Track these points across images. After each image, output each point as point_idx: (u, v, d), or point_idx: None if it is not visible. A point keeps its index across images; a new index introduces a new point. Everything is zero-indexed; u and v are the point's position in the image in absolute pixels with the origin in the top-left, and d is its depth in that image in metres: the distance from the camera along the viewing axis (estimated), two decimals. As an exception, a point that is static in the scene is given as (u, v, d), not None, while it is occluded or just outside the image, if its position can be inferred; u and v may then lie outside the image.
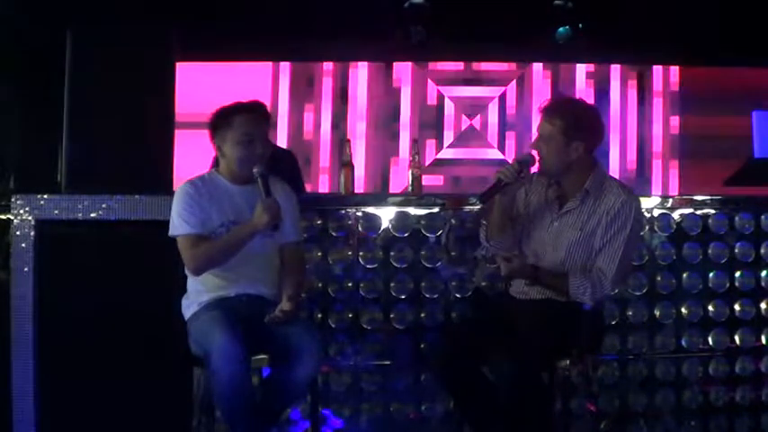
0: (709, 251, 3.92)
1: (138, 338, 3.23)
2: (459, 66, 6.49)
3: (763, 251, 3.95)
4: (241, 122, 3.08)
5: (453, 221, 3.76)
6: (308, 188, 5.23)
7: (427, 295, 3.73)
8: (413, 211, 3.76)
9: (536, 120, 3.14)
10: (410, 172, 4.21)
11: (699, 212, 3.93)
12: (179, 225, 3.03)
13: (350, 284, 3.70)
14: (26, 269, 3.26)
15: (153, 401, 3.22)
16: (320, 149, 6.16)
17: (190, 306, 3.07)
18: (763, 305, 3.95)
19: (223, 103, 3.13)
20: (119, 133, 3.39)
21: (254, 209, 3.00)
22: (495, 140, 6.46)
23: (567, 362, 3.01)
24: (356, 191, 4.22)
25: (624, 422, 3.82)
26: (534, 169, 3.12)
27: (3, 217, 3.36)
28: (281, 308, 2.95)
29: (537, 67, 6.53)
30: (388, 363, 3.72)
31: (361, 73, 6.35)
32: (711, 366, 3.91)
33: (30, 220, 3.27)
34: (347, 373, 3.69)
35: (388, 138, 6.26)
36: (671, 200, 3.91)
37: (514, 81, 6.48)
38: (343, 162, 4.23)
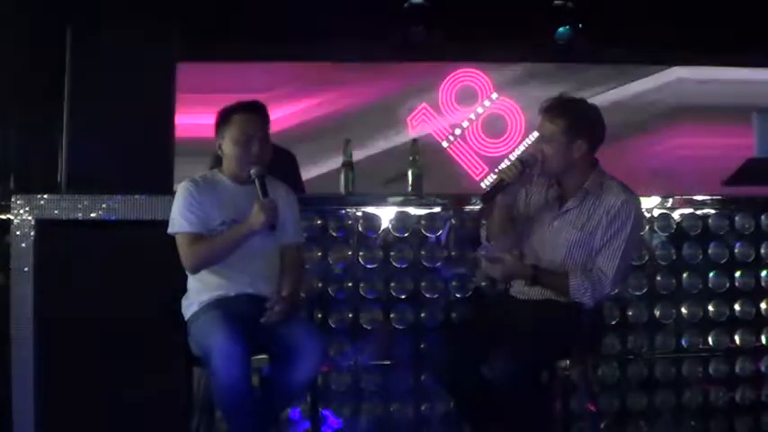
0: (709, 251, 3.93)
1: (138, 338, 3.23)
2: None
3: (763, 251, 3.96)
4: (239, 121, 3.09)
5: (454, 221, 3.76)
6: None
7: (427, 295, 3.73)
8: (413, 211, 3.76)
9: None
10: (410, 171, 4.21)
11: (699, 212, 3.93)
12: (179, 223, 3.04)
13: (350, 284, 3.70)
14: (26, 269, 3.25)
15: (153, 401, 3.22)
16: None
17: (190, 306, 3.07)
18: (763, 305, 3.96)
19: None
20: (119, 133, 3.38)
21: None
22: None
23: (567, 362, 3.01)
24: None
25: (624, 422, 3.83)
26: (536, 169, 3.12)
27: (3, 217, 3.36)
28: (275, 307, 2.95)
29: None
30: (388, 363, 3.72)
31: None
32: (711, 366, 3.91)
33: (30, 220, 3.27)
34: (347, 373, 3.69)
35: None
36: (671, 200, 3.91)
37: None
38: (343, 162, 4.24)
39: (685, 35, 5.97)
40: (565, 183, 3.13)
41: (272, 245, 3.11)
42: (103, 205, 3.31)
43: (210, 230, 3.05)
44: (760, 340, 3.95)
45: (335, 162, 4.48)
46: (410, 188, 4.18)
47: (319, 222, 3.70)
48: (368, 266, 3.72)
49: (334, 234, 3.71)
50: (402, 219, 3.74)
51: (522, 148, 6.64)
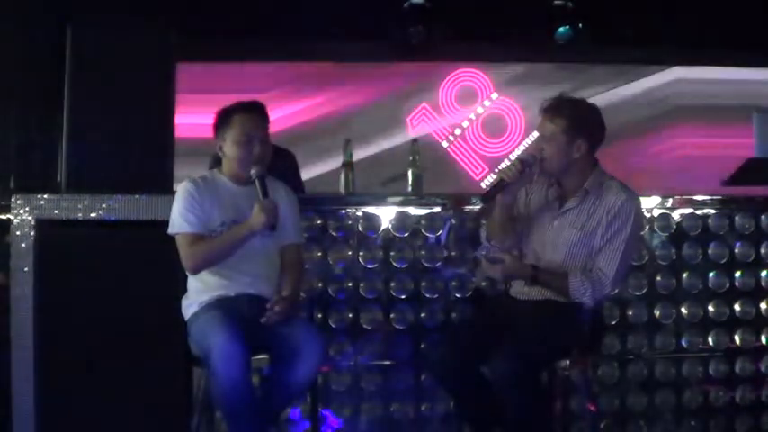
0: (709, 251, 3.93)
1: (138, 338, 3.22)
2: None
3: (763, 251, 3.96)
4: (240, 122, 3.09)
5: (454, 221, 3.76)
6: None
7: (427, 295, 3.73)
8: (413, 211, 3.76)
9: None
10: (410, 171, 4.21)
11: (699, 212, 3.93)
12: (179, 224, 3.04)
13: (350, 284, 3.70)
14: (26, 269, 3.25)
15: (153, 401, 3.22)
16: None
17: (190, 306, 3.07)
18: (763, 305, 3.96)
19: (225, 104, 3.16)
20: (119, 133, 3.38)
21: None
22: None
23: (567, 362, 3.01)
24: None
25: (624, 422, 3.83)
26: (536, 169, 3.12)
27: (3, 217, 3.36)
28: (275, 308, 2.95)
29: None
30: (388, 363, 3.72)
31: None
32: (711, 366, 3.91)
33: (30, 220, 3.27)
34: (347, 373, 3.69)
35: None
36: (671, 200, 3.91)
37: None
38: (343, 162, 4.25)
39: (685, 35, 5.98)
40: (565, 183, 3.14)
41: (272, 245, 3.11)
42: (103, 205, 3.31)
43: (211, 231, 3.05)
44: (760, 340, 3.95)
45: (335, 162, 4.48)
46: (410, 188, 4.19)
47: (319, 222, 3.70)
48: (368, 266, 3.72)
49: (334, 234, 3.71)
50: (402, 219, 3.74)
51: (522, 148, 6.64)
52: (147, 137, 3.42)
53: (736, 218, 3.95)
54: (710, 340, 3.92)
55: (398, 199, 3.81)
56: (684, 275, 3.91)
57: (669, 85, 6.75)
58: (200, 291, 3.07)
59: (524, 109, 6.66)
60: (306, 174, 4.64)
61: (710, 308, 3.92)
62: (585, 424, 3.61)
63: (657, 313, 3.88)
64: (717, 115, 6.56)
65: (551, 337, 2.97)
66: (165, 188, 3.35)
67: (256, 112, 3.14)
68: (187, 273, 3.06)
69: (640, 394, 3.85)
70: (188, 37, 3.65)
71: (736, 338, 3.94)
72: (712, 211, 3.94)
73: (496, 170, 3.12)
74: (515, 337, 2.91)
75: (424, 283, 3.74)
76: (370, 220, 3.73)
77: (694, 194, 3.95)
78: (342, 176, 4.22)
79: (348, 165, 4.22)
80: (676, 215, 3.91)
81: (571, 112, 3.06)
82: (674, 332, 3.89)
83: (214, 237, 3.04)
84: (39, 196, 3.30)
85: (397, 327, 3.71)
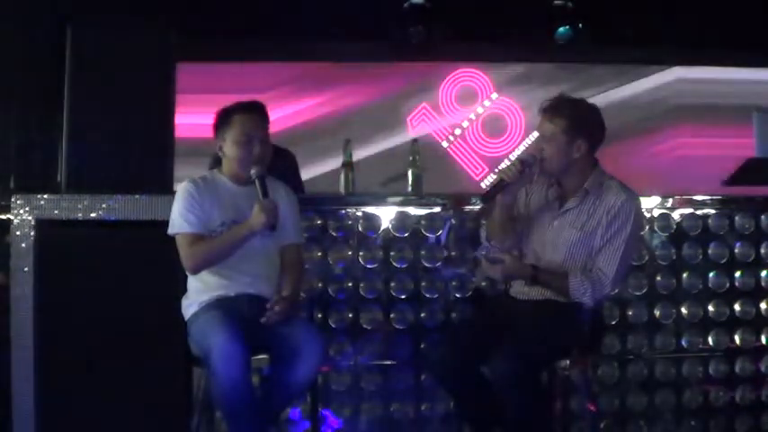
0: (709, 251, 3.93)
1: (138, 338, 3.22)
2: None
3: (763, 251, 3.96)
4: (240, 122, 3.09)
5: (454, 221, 3.76)
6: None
7: (427, 295, 3.73)
8: (413, 211, 3.76)
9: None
10: (410, 171, 4.21)
11: (699, 212, 3.93)
12: (179, 224, 3.04)
13: (350, 284, 3.70)
14: (26, 269, 3.25)
15: (153, 401, 3.22)
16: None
17: (190, 306, 3.07)
18: (763, 305, 3.96)
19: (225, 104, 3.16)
20: (119, 133, 3.38)
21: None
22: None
23: (567, 362, 3.01)
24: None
25: (624, 422, 3.83)
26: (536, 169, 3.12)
27: (3, 217, 3.36)
28: (275, 308, 2.95)
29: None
30: (388, 363, 3.72)
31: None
32: (711, 366, 3.91)
33: (30, 220, 3.27)
34: (347, 373, 3.69)
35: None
36: (671, 200, 3.91)
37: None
38: (343, 162, 4.24)
39: (685, 35, 5.98)
40: (565, 183, 3.14)
41: (272, 245, 3.11)
42: (103, 205, 3.31)
43: (211, 231, 3.05)
44: (760, 340, 3.95)
45: (335, 162, 4.48)
46: (410, 188, 4.19)
47: (319, 222, 3.70)
48: (368, 266, 3.72)
49: (334, 234, 3.71)
50: (402, 219, 3.74)
51: (522, 148, 6.64)
52: (147, 137, 3.42)
53: (736, 218, 3.95)
54: (710, 340, 3.92)
55: (398, 199, 3.81)
56: (684, 275, 3.91)
57: (669, 85, 6.75)
58: (200, 291, 3.07)
59: (524, 109, 6.66)
60: (306, 174, 4.64)
61: (710, 308, 3.92)
62: (585, 424, 3.61)
63: (657, 313, 3.88)
64: (717, 115, 6.56)
65: (551, 337, 2.97)
66: (165, 188, 3.35)
67: (256, 112, 3.14)
68: (187, 273, 3.07)
69: (640, 394, 3.85)
70: (188, 37, 3.65)
71: (736, 338, 3.94)
72: (712, 211, 3.94)
73: (496, 170, 3.12)
74: (515, 337, 2.91)
75: (424, 283, 3.74)
76: (370, 220, 3.73)
77: (694, 194, 3.95)
78: (342, 176, 4.22)
79: (348, 165, 4.22)
80: (676, 215, 3.91)
81: (571, 112, 3.06)
82: (674, 332, 3.89)
83: (214, 237, 3.04)
84: (39, 196, 3.30)
85: (397, 327, 3.71)
